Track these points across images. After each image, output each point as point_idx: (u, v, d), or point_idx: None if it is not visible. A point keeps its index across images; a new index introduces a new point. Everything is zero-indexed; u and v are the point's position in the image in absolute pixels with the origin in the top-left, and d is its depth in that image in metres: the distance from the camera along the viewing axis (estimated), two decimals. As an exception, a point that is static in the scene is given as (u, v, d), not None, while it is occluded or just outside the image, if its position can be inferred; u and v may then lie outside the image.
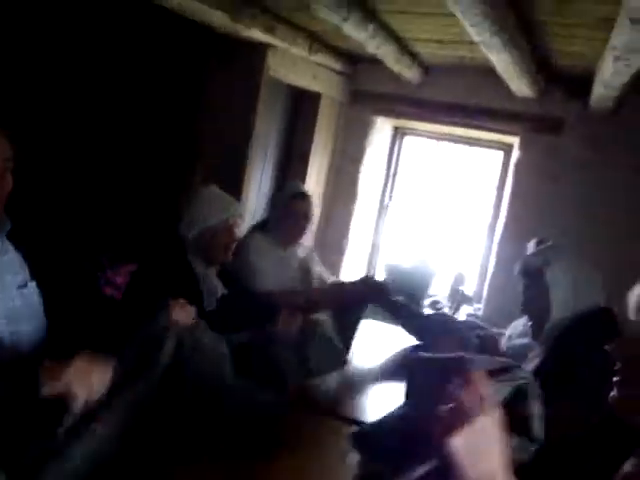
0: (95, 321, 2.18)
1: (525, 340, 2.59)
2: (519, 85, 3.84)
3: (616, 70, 2.84)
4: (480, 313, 4.46)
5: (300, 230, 3.15)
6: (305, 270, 3.28)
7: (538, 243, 2.84)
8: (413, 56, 4.04)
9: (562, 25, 2.97)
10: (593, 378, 1.74)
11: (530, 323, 2.09)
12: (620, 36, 2.46)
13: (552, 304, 1.93)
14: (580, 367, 1.79)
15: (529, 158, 4.31)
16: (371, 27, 3.28)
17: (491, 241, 4.85)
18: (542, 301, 1.95)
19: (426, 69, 4.34)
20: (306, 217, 3.16)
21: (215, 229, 2.40)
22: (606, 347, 1.09)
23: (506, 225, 4.44)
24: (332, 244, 4.84)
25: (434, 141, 5.10)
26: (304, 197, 3.16)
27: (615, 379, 1.07)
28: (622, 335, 1.11)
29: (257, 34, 3.31)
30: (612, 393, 1.07)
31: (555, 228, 3.96)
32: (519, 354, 2.47)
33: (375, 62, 4.02)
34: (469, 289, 4.79)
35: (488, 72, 4.04)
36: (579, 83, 3.83)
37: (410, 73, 4.21)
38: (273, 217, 3.16)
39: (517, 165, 4.39)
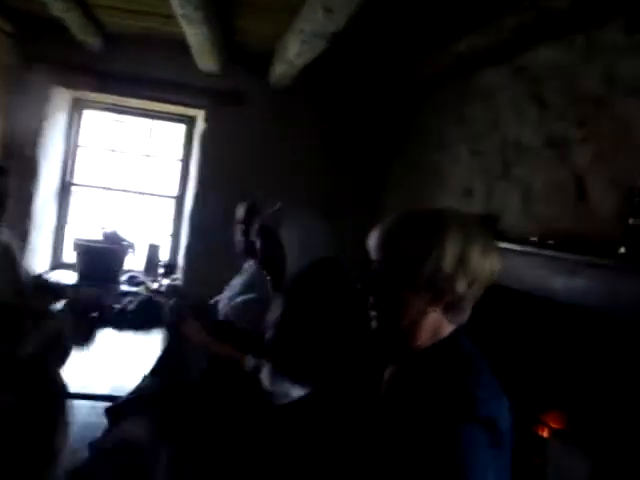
0: None
1: (250, 295, 2.83)
2: (206, 60, 4.02)
3: (301, 51, 3.23)
4: (179, 283, 4.59)
5: (2, 210, 2.83)
6: (11, 258, 2.92)
7: (250, 207, 3.10)
8: (99, 24, 3.89)
9: (251, 6, 3.24)
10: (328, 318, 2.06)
11: (269, 278, 2.31)
12: (310, 21, 2.82)
13: (287, 259, 2.18)
14: (315, 311, 2.08)
15: (215, 130, 4.55)
16: (60, -12, 3.09)
17: (181, 211, 5.01)
18: (278, 257, 2.17)
19: (110, 39, 4.21)
20: (6, 194, 2.85)
21: None
22: (358, 286, 1.32)
23: (196, 195, 4.63)
24: (11, 225, 4.39)
25: (115, 114, 4.97)
26: (3, 172, 2.85)
27: (372, 313, 1.28)
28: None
29: None
30: (372, 323, 1.29)
31: (243, 195, 4.31)
32: (248, 310, 2.71)
33: (54, 27, 3.75)
34: (165, 260, 4.88)
35: (174, 46, 4.14)
36: (260, 61, 4.20)
37: (94, 41, 4.04)
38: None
39: (203, 137, 4.60)
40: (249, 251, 2.94)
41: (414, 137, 4.24)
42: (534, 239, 2.56)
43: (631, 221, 2.04)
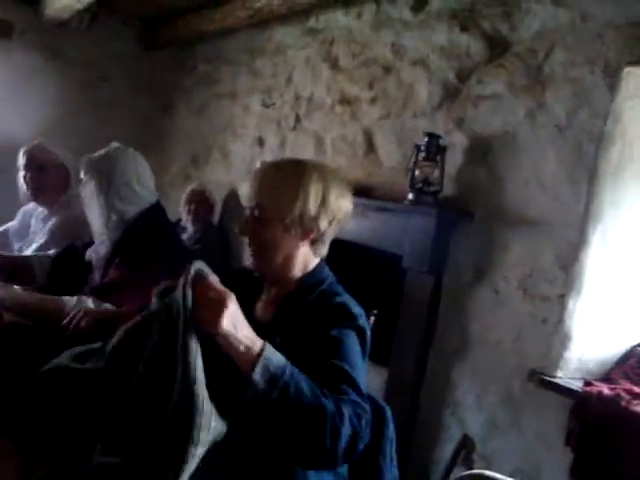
0: None
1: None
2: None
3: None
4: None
5: None
6: None
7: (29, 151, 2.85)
8: None
9: None
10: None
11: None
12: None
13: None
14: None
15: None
16: None
17: None
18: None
19: None
20: None
21: None
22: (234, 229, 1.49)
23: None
24: None
25: None
26: None
27: (250, 251, 1.46)
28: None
29: None
30: (251, 261, 1.47)
31: (9, 137, 3.97)
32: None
33: None
34: None
35: None
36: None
37: None
38: None
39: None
40: (40, 197, 2.77)
41: (203, 85, 4.30)
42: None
43: (417, 172, 2.46)
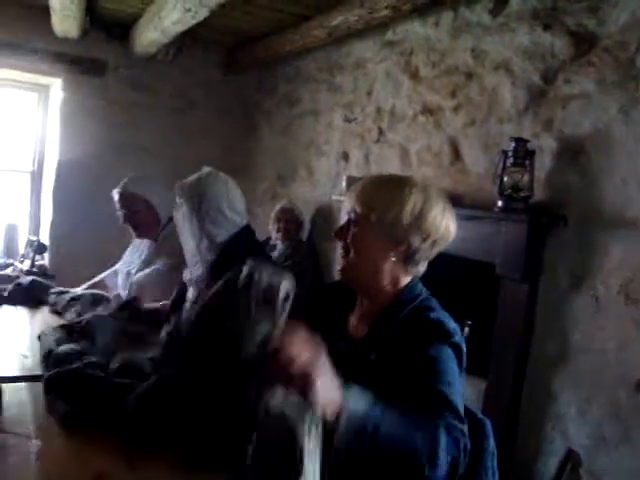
0: None
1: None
2: (65, 25, 3.82)
3: (181, 19, 3.21)
4: (46, 263, 4.35)
5: None
6: None
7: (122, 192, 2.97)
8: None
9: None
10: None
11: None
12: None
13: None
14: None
15: (75, 99, 4.34)
16: None
17: (39, 187, 4.73)
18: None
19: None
20: None
21: None
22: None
23: (59, 169, 4.40)
24: None
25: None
26: None
27: (341, 255, 1.50)
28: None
29: None
30: (340, 265, 1.51)
31: (107, 167, 4.20)
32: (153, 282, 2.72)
33: None
34: (34, 239, 4.59)
35: (27, 8, 3.89)
36: (120, 27, 4.08)
37: None
38: None
39: (63, 107, 4.36)
40: (141, 233, 2.90)
41: (285, 104, 4.40)
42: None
43: (505, 178, 2.40)
